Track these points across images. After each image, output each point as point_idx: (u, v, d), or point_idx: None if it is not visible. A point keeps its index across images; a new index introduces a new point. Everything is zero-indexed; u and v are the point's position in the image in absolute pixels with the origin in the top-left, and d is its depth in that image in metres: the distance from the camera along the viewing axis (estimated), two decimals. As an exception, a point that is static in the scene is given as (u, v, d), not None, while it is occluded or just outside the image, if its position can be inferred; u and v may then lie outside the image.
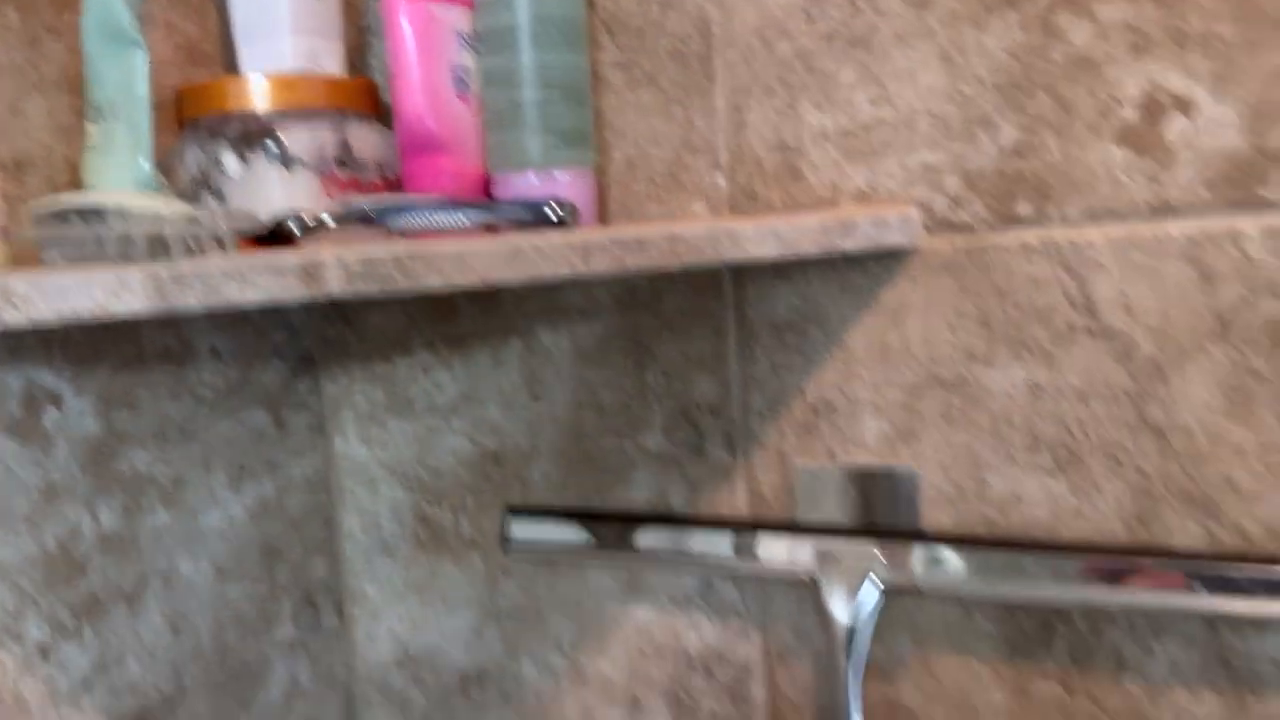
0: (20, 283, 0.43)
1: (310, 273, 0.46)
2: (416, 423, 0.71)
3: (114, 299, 0.44)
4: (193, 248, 0.46)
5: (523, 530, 0.68)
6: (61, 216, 0.47)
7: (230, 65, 0.67)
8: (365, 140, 0.60)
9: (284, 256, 0.46)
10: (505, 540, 0.68)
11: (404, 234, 0.53)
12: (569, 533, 0.66)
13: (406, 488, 0.72)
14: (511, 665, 0.71)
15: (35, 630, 0.56)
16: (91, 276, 0.44)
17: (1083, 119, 0.51)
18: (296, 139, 0.57)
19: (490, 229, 0.52)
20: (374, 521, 0.74)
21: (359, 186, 0.60)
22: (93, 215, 0.46)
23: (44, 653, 0.56)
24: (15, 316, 0.43)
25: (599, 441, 0.66)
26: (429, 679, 0.74)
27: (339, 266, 0.46)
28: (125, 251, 0.45)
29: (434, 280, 0.48)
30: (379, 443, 0.73)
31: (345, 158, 0.59)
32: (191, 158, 0.58)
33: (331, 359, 0.73)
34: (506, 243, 0.48)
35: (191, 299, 0.45)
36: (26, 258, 0.51)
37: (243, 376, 0.68)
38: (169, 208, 0.45)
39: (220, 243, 0.47)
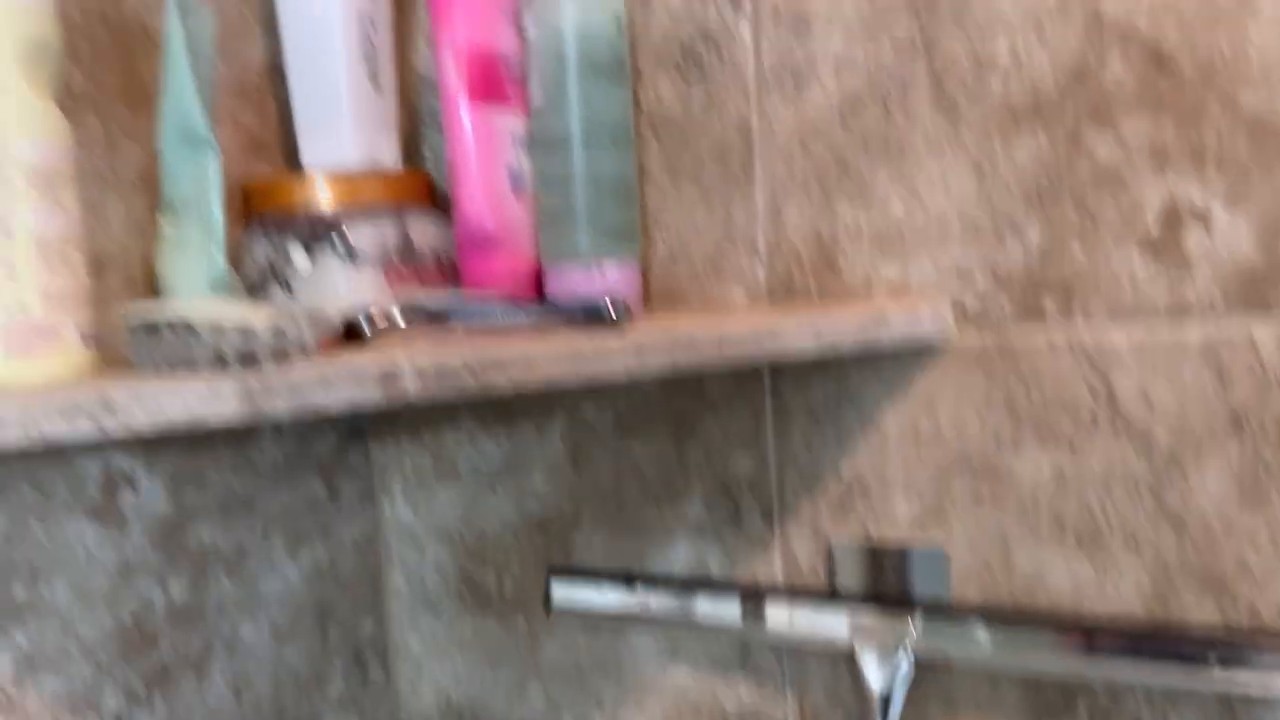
0: (119, 392, 0.46)
1: (388, 379, 0.50)
2: (462, 488, 0.75)
3: (207, 407, 0.47)
4: (280, 356, 0.49)
5: (565, 592, 0.71)
6: (152, 327, 0.50)
7: (289, 155, 0.70)
8: (423, 232, 0.64)
9: (363, 363, 0.49)
10: (548, 601, 0.71)
11: (467, 330, 0.57)
12: (610, 596, 0.69)
13: (452, 549, 0.76)
14: (553, 721, 0.74)
15: (111, 701, 0.59)
16: (186, 386, 0.47)
17: (1106, 226, 0.55)
18: (361, 234, 0.61)
19: (548, 326, 0.56)
20: (419, 581, 0.77)
21: (418, 276, 0.63)
22: (183, 326, 0.49)
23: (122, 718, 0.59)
24: (113, 424, 0.46)
25: (640, 510, 0.69)
26: (472, 732, 0.77)
27: (415, 373, 0.50)
28: (218, 362, 0.48)
29: (502, 382, 0.52)
30: (425, 507, 0.76)
31: (405, 250, 0.62)
32: (259, 251, 0.62)
33: (381, 428, 0.76)
34: (568, 345, 0.51)
35: (280, 406, 0.48)
36: (114, 360, 0.54)
37: (299, 448, 0.71)
38: (257, 318, 0.48)
39: (304, 350, 0.50)
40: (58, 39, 0.51)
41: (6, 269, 0.48)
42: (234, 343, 0.48)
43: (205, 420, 0.47)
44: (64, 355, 0.50)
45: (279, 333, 0.48)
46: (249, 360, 0.49)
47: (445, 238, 0.65)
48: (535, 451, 0.72)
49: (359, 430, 0.76)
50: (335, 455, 0.74)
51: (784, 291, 0.63)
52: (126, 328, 0.51)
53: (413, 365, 0.50)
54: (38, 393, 0.46)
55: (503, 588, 0.74)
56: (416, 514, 0.76)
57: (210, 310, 0.49)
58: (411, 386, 0.50)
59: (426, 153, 0.72)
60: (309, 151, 0.65)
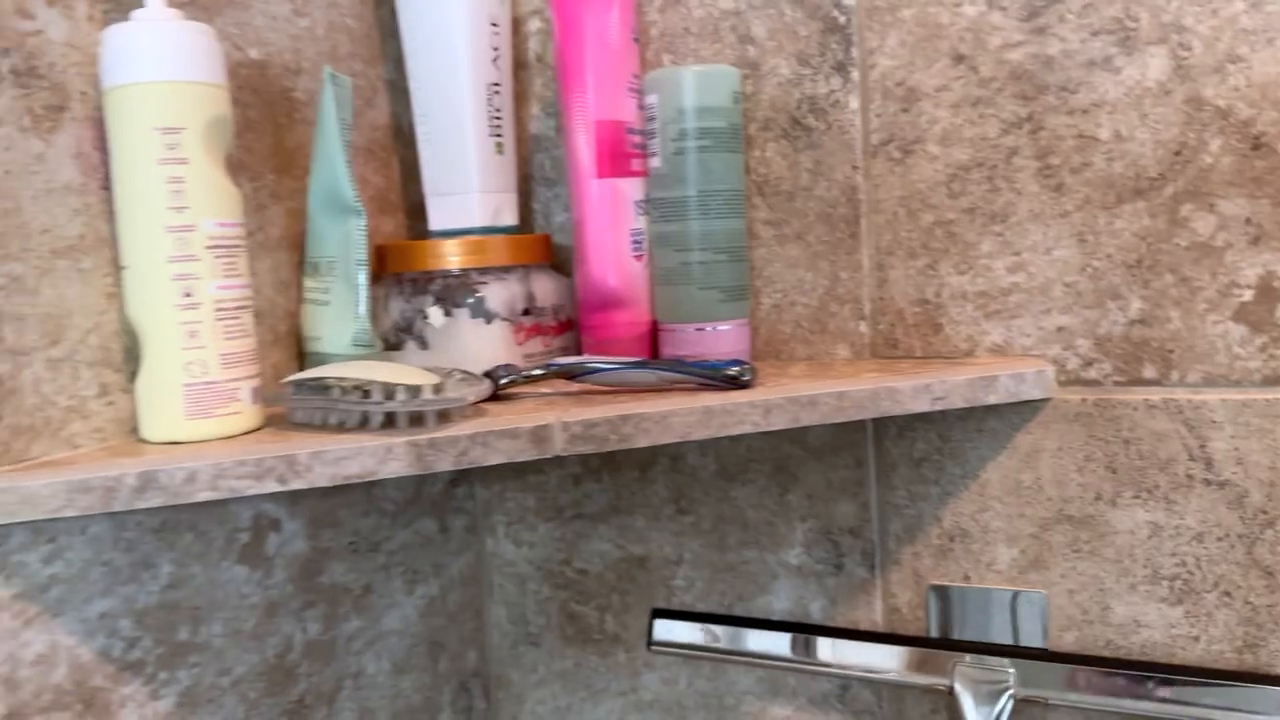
0: (303, 453, 0.50)
1: (540, 437, 0.53)
2: (565, 528, 0.78)
3: (381, 465, 0.51)
4: (442, 417, 0.53)
5: (667, 631, 0.74)
6: (322, 387, 0.54)
7: (410, 212, 0.74)
8: (545, 288, 0.67)
9: (516, 422, 0.53)
10: (650, 639, 0.75)
11: (598, 388, 0.60)
12: (712, 635, 0.73)
13: (553, 585, 0.79)
14: (652, 751, 0.77)
15: (258, 732, 0.63)
16: (362, 446, 0.51)
17: (1204, 297, 0.58)
18: (492, 293, 0.64)
19: (675, 385, 0.59)
20: (521, 615, 0.81)
21: (540, 331, 0.67)
22: (352, 387, 0.53)
23: (266, 752, 0.63)
24: (299, 483, 0.50)
25: (741, 553, 0.73)
26: (571, 760, 0.80)
27: (563, 431, 0.54)
28: (388, 422, 0.52)
29: (641, 440, 0.55)
30: (528, 544, 0.80)
31: (530, 306, 0.66)
32: (396, 308, 0.65)
33: (486, 469, 0.80)
34: (700, 405, 0.55)
35: (445, 463, 0.52)
36: (275, 418, 0.58)
37: (416, 490, 0.75)
38: (422, 379, 0.52)
39: (462, 410, 0.54)
40: (230, 114, 0.54)
41: (191, 335, 0.52)
42: (403, 404, 0.51)
43: (378, 475, 0.51)
44: (239, 415, 0.54)
45: (442, 394, 0.52)
46: (417, 420, 0.52)
47: (563, 294, 0.69)
48: (638, 495, 0.75)
49: (465, 471, 0.80)
50: (444, 494, 0.78)
51: (886, 349, 0.67)
52: (294, 388, 0.55)
53: (561, 423, 0.53)
54: (226, 453, 0.49)
55: (603, 623, 0.78)
56: (519, 550, 0.80)
57: (375, 372, 0.53)
58: (560, 444, 0.54)
59: (536, 206, 0.76)
60: (437, 213, 0.68)
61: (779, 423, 0.57)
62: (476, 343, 0.64)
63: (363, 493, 0.70)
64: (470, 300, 0.64)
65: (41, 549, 0.51)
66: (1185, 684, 0.60)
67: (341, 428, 0.54)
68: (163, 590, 0.57)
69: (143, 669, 0.56)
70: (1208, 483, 0.59)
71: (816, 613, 0.71)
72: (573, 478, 0.78)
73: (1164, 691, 0.60)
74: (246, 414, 0.54)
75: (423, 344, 0.65)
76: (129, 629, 0.55)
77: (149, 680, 0.56)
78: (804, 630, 0.70)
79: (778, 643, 0.70)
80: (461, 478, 0.80)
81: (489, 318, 0.64)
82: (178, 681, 0.57)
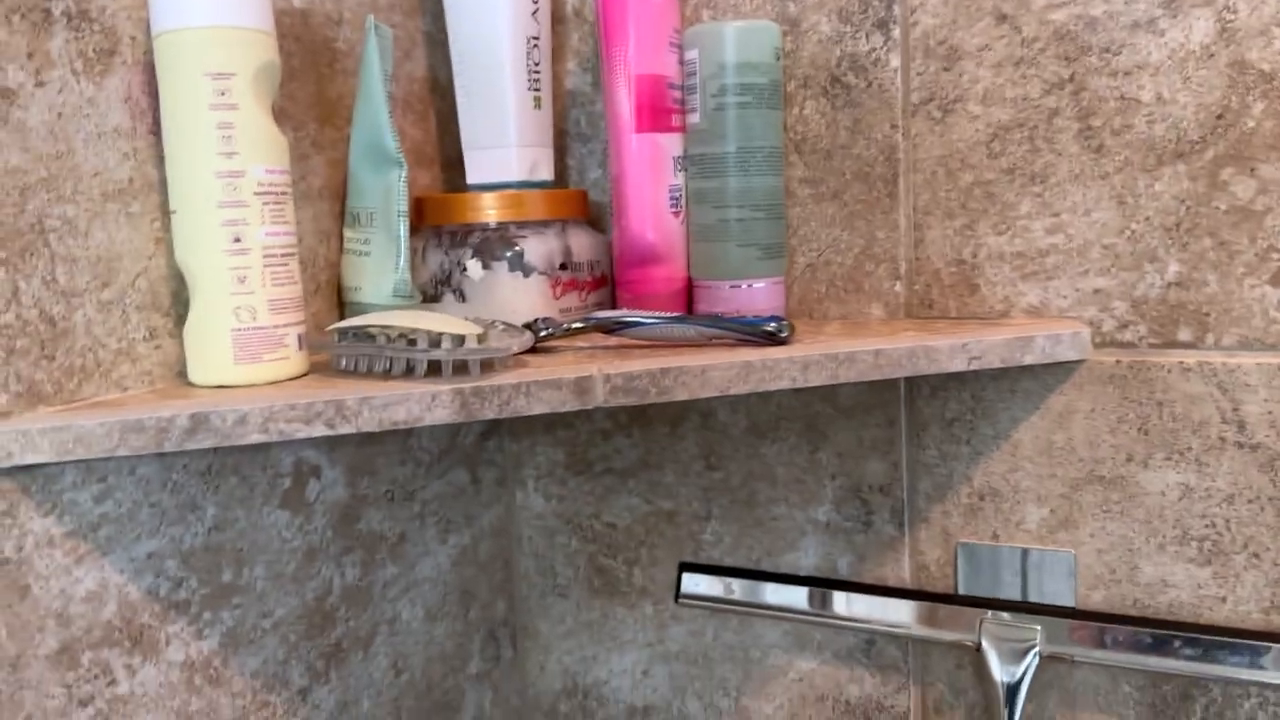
0: (351, 398, 0.51)
1: (582, 388, 0.54)
2: (594, 482, 0.79)
3: (427, 412, 0.52)
4: (486, 366, 0.53)
5: (694, 584, 0.75)
6: (368, 335, 0.55)
7: (447, 165, 0.74)
8: (581, 243, 0.68)
9: (559, 373, 0.53)
10: (678, 592, 0.76)
11: (636, 342, 0.61)
12: (738, 588, 0.74)
13: (582, 538, 0.80)
14: (678, 703, 0.79)
15: (297, 676, 0.64)
16: (409, 394, 0.51)
17: (1242, 261, 0.59)
18: (530, 247, 0.65)
19: (713, 339, 0.60)
20: (549, 567, 0.82)
21: (577, 286, 0.67)
22: (398, 336, 0.54)
23: (303, 695, 0.64)
24: (347, 428, 0.51)
25: (770, 509, 0.73)
26: (597, 711, 0.82)
27: (605, 383, 0.54)
28: (433, 371, 0.53)
29: (680, 394, 0.56)
30: (557, 497, 0.80)
31: (567, 261, 0.66)
32: (434, 260, 0.66)
33: (517, 423, 0.81)
34: (740, 359, 0.56)
35: (489, 412, 0.53)
36: (320, 366, 0.59)
37: (450, 442, 0.76)
38: (467, 329, 0.53)
39: (505, 360, 0.55)
40: (278, 61, 0.55)
41: (240, 281, 0.53)
42: (448, 352, 0.52)
43: (424, 421, 0.52)
44: (286, 360, 0.54)
45: (485, 344, 0.53)
46: (460, 369, 0.53)
47: (599, 249, 0.69)
48: (668, 451, 0.76)
49: (498, 423, 0.80)
50: (476, 448, 0.79)
51: (921, 309, 0.67)
52: (340, 335, 0.55)
53: (603, 375, 0.54)
54: (275, 396, 0.50)
55: (631, 576, 0.79)
56: (548, 504, 0.81)
57: (420, 321, 0.54)
58: (601, 395, 0.55)
59: (570, 162, 0.76)
60: (475, 167, 0.69)
61: (817, 379, 0.58)
62: (514, 296, 0.65)
63: (399, 443, 0.71)
64: (509, 254, 0.65)
65: (93, 488, 0.52)
66: (1211, 644, 0.60)
67: (386, 375, 0.54)
68: (208, 533, 0.58)
69: (188, 608, 0.57)
70: (1240, 445, 0.60)
71: (844, 569, 0.72)
72: (602, 433, 0.78)
73: (1190, 650, 0.61)
74: (293, 360, 0.55)
75: (461, 296, 0.65)
76: (175, 569, 0.56)
77: (194, 620, 0.57)
78: (831, 585, 0.71)
79: (804, 597, 0.71)
80: (492, 430, 0.81)
81: (527, 271, 0.65)
82: (221, 622, 0.59)
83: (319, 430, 0.50)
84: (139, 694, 0.54)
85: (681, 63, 0.66)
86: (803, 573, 0.73)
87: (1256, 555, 0.60)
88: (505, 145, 0.68)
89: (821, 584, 0.71)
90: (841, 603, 0.70)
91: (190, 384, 0.55)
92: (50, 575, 0.50)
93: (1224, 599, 0.62)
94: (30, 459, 0.47)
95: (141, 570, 0.54)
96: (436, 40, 0.74)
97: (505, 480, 0.82)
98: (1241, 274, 0.59)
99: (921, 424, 0.68)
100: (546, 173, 0.70)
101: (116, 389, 0.53)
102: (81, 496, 0.51)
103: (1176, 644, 0.61)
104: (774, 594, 0.72)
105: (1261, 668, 0.59)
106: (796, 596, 0.72)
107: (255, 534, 0.61)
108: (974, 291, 0.65)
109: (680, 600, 0.76)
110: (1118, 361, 0.62)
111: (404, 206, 0.62)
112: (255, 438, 0.50)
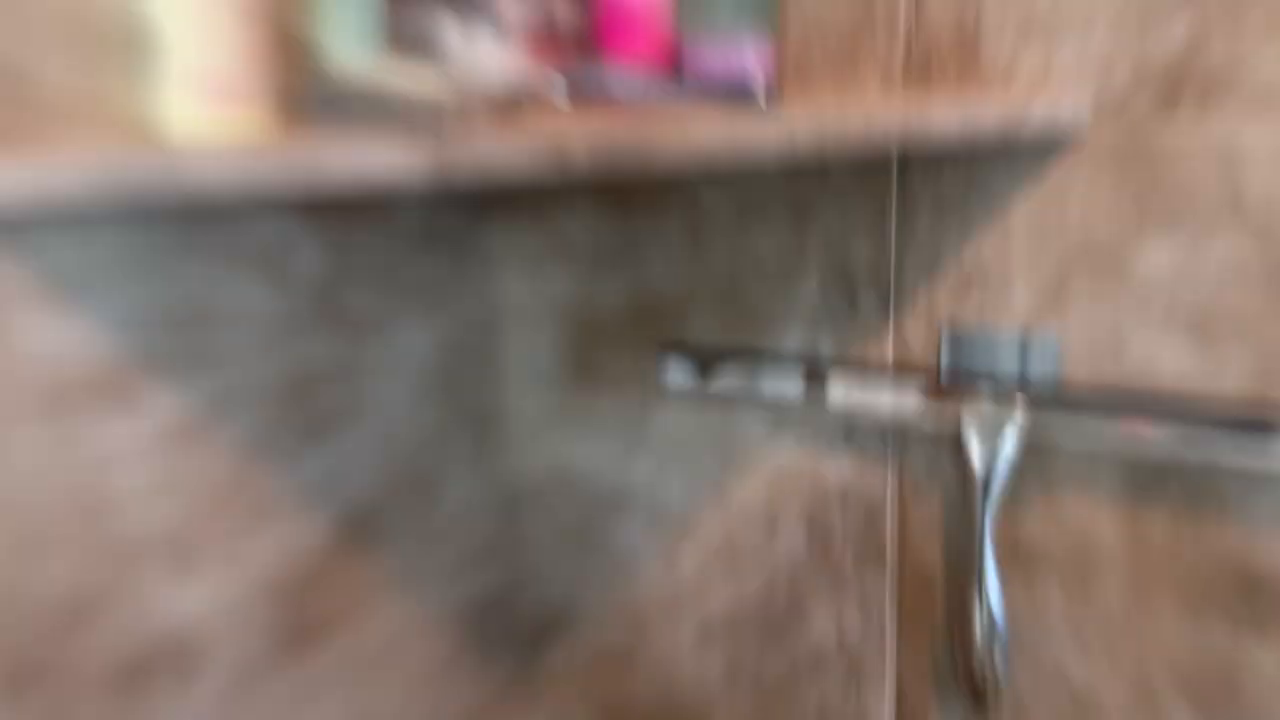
0: (325, 150, 0.49)
1: (559, 153, 0.52)
2: (578, 269, 0.78)
3: (402, 165, 0.50)
4: (461, 127, 0.51)
5: (676, 370, 0.75)
6: (340, 89, 0.52)
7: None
8: (563, 6, 0.64)
9: (536, 137, 0.51)
10: (659, 377, 0.75)
11: (614, 106, 0.58)
12: (721, 373, 0.73)
13: (566, 327, 0.79)
14: (659, 488, 0.79)
15: (288, 440, 0.64)
16: (382, 149, 0.49)
17: (1252, 23, 0.55)
18: (509, 8, 0.61)
19: (694, 103, 0.57)
20: (534, 355, 0.81)
21: (558, 51, 0.64)
22: (372, 92, 0.51)
23: (293, 457, 0.64)
24: (322, 178, 0.49)
25: (755, 294, 0.72)
26: (581, 495, 0.83)
27: (585, 147, 0.52)
28: (407, 128, 0.50)
29: (663, 159, 0.54)
30: (542, 283, 0.79)
31: (547, 24, 0.63)
32: (409, 20, 0.63)
33: (501, 208, 0.79)
34: (725, 125, 0.53)
35: (462, 172, 0.51)
36: (294, 121, 0.57)
37: (432, 223, 0.74)
38: (442, 88, 0.50)
39: (480, 121, 0.52)
40: None
41: (211, 27, 0.50)
42: (424, 110, 0.50)
43: (397, 180, 0.50)
44: (258, 111, 0.52)
45: (462, 102, 0.50)
46: (436, 128, 0.51)
47: (582, 13, 0.66)
48: (652, 236, 0.74)
49: (478, 207, 0.78)
50: (462, 232, 0.77)
51: (919, 76, 0.64)
52: (313, 89, 0.53)
53: (582, 138, 0.52)
54: (249, 146, 0.48)
55: (615, 364, 0.78)
56: (532, 292, 0.80)
57: (396, 78, 0.51)
58: (580, 160, 0.52)
59: (560, -73, 0.72)
60: (450, -79, 0.65)
61: (805, 145, 0.55)
62: (492, 59, 0.62)
63: (378, 221, 0.69)
64: (486, 14, 0.61)
65: (72, 239, 0.50)
66: (1197, 421, 0.60)
67: (370, 132, 0.52)
68: (191, 297, 0.57)
69: (172, 369, 0.56)
70: (1235, 220, 0.58)
71: (828, 350, 0.71)
72: (586, 219, 0.76)
73: (1175, 427, 0.61)
74: (264, 111, 0.53)
75: (437, 58, 0.62)
76: (160, 330, 0.55)
77: (179, 380, 0.56)
78: (814, 367, 0.70)
79: (787, 382, 0.71)
80: (474, 215, 0.79)
81: (506, 33, 0.62)
82: (205, 384, 0.58)
83: (299, 181, 0.48)
84: (126, 449, 0.54)
85: None
86: (787, 355, 0.73)
87: (1244, 335, 0.59)
88: (482, -101, 0.64)
89: (798, 366, 0.71)
90: (824, 385, 0.70)
91: (162, 132, 0.52)
92: (29, 327, 0.49)
93: (1211, 378, 0.61)
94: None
95: (127, 325, 0.53)
96: None
97: (490, 266, 0.81)
98: (1251, 36, 0.56)
99: (912, 203, 0.66)
100: (527, -68, 0.66)
101: (87, 137, 0.51)
102: (63, 249, 0.50)
103: (1160, 419, 0.61)
104: (756, 378, 0.72)
105: (1248, 448, 0.59)
106: (779, 380, 0.71)
107: (236, 301, 0.60)
108: (973, 59, 0.62)
109: (662, 385, 0.75)
110: (1116, 133, 0.60)
111: (374, -41, 0.58)
112: (229, 186, 0.48)
